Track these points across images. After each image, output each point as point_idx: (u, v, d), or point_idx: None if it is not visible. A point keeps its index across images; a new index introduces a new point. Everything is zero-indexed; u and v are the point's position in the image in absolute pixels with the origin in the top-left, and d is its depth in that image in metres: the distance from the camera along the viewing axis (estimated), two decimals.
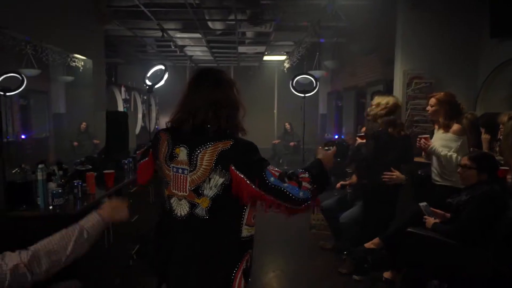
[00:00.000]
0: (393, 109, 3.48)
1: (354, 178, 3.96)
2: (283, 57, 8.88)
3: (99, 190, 2.92)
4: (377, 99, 3.64)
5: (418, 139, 3.06)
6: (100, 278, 2.80)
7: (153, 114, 10.04)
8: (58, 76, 6.28)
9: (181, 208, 1.42)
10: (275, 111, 11.27)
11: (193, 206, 1.39)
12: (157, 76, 5.76)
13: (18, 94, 5.53)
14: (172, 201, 1.45)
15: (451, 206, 2.49)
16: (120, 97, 7.28)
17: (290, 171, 1.42)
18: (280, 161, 9.38)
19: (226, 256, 1.40)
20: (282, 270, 3.67)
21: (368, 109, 4.77)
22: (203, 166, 1.35)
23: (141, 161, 1.64)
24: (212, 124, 1.38)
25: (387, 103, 3.49)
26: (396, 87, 4.60)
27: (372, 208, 3.34)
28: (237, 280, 1.38)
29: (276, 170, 1.37)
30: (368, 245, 3.09)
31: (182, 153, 1.40)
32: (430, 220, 2.58)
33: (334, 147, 1.65)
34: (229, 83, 1.48)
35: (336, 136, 9.05)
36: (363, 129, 3.78)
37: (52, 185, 2.41)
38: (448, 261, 2.44)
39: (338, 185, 3.97)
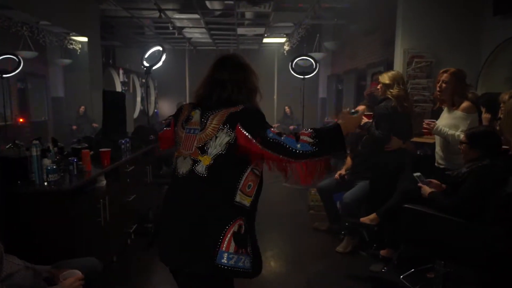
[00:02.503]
0: (400, 79, 3.33)
1: (348, 161, 3.93)
2: (282, 39, 8.78)
3: (96, 168, 2.91)
4: (381, 77, 3.46)
5: (425, 123, 2.97)
6: (97, 256, 2.81)
7: (152, 98, 9.98)
8: (56, 59, 6.23)
9: (184, 166, 1.47)
10: (275, 97, 11.20)
11: (195, 163, 1.44)
12: (155, 58, 5.71)
13: (16, 78, 5.49)
14: (178, 160, 1.51)
15: (450, 178, 2.47)
16: (118, 79, 7.22)
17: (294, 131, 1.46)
18: None
19: (217, 215, 1.42)
20: (280, 248, 3.69)
21: (374, 88, 4.69)
22: (211, 126, 1.44)
23: (163, 129, 1.75)
24: (233, 100, 1.49)
25: (392, 75, 3.33)
26: (396, 67, 4.54)
27: (379, 185, 3.30)
28: (226, 240, 1.39)
29: (276, 130, 1.44)
30: (364, 219, 3.08)
31: (196, 115, 1.51)
32: (426, 189, 2.54)
33: (363, 109, 1.58)
34: (250, 67, 1.61)
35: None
36: (361, 107, 3.70)
37: (46, 162, 2.39)
38: (445, 237, 2.43)
39: (337, 175, 3.86)
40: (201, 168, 1.42)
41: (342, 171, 3.85)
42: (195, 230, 1.41)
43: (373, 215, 3.08)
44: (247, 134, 1.39)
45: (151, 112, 9.81)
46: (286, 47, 8.82)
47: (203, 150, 1.43)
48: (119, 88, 7.34)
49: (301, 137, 1.39)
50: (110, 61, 6.76)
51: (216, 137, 1.42)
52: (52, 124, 6.27)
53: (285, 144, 1.37)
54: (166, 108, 9.17)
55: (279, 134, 1.41)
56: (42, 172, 2.33)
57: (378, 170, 3.32)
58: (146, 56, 5.70)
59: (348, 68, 8.39)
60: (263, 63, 10.84)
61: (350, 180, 3.74)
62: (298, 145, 1.37)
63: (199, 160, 1.43)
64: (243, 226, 1.45)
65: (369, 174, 3.48)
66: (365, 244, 3.48)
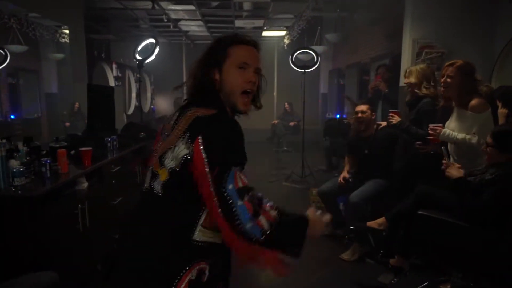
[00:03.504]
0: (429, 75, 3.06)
1: (347, 166, 3.63)
2: (282, 33, 8.46)
3: (76, 169, 2.63)
4: (406, 76, 3.14)
5: (429, 129, 2.65)
6: (78, 265, 2.54)
7: (148, 94, 9.69)
8: (49, 54, 5.95)
9: (146, 179, 1.19)
10: (274, 93, 10.90)
11: (153, 176, 1.16)
12: (148, 51, 5.42)
13: (7, 73, 5.23)
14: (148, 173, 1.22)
15: (471, 185, 2.18)
16: (111, 74, 6.93)
17: (260, 197, 1.10)
18: (280, 141, 9.08)
19: (168, 255, 1.07)
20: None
21: (378, 82, 4.39)
22: (176, 131, 1.13)
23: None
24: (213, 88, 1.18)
25: (418, 71, 3.04)
26: (404, 58, 4.24)
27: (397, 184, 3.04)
28: None
29: (242, 179, 1.05)
30: (371, 223, 2.79)
31: (175, 115, 1.20)
32: (453, 172, 2.24)
33: (328, 215, 1.31)
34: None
35: (338, 116, 8.72)
36: (362, 107, 3.37)
37: (14, 163, 2.11)
38: (465, 247, 2.16)
39: (341, 179, 3.51)
40: (157, 185, 1.12)
41: (345, 174, 3.54)
42: (145, 268, 1.07)
43: (381, 219, 2.80)
44: (204, 156, 1.03)
45: (146, 108, 9.53)
46: (286, 41, 8.52)
47: (161, 161, 1.12)
48: (112, 83, 7.06)
49: (260, 217, 1.04)
50: (103, 55, 6.46)
51: (175, 147, 1.09)
52: (45, 121, 5.99)
53: (235, 212, 1.01)
54: (163, 104, 8.82)
55: (240, 193, 1.02)
56: (8, 175, 2.04)
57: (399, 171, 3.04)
58: (138, 49, 5.41)
59: (350, 62, 8.09)
60: (262, 58, 10.51)
61: (355, 182, 3.45)
62: (249, 224, 1.02)
63: (158, 174, 1.13)
64: (206, 272, 1.10)
65: (378, 172, 3.20)
66: (373, 251, 3.19)
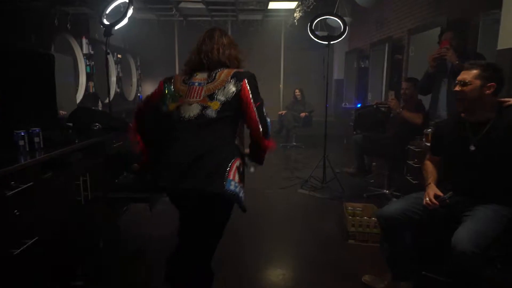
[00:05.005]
0: None
1: (430, 176, 2.19)
2: (293, 4, 6.99)
3: None
4: None
5: None
6: None
7: (134, 79, 8.26)
8: None
9: (191, 111, 1.66)
10: (281, 78, 9.44)
11: (204, 108, 1.66)
12: (119, 14, 4.02)
13: None
14: (182, 108, 1.68)
15: None
16: (79, 51, 5.52)
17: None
18: (291, 134, 7.67)
19: (226, 150, 1.64)
20: None
21: (444, 49, 3.05)
22: (220, 78, 1.70)
23: (148, 96, 1.90)
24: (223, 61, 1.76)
25: None
26: (508, 14, 2.68)
27: None
28: (232, 172, 1.59)
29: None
30: None
31: (201, 74, 1.74)
32: None
33: None
34: (233, 38, 1.87)
35: (359, 105, 7.30)
36: (466, 74, 1.98)
37: None
38: None
39: (431, 198, 2.01)
40: (210, 112, 1.65)
41: (436, 190, 2.04)
42: (209, 159, 1.58)
43: None
44: (250, 92, 1.67)
45: (131, 96, 8.11)
46: (297, 14, 7.06)
47: (212, 97, 1.67)
48: (82, 63, 5.64)
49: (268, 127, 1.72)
50: (68, 25, 5.02)
51: (224, 87, 1.68)
52: None
53: (268, 127, 1.70)
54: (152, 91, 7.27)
55: (266, 116, 1.72)
56: None
57: None
58: (107, 11, 4.00)
59: (376, 40, 6.65)
60: (268, 38, 9.07)
61: (457, 206, 2.01)
62: (270, 131, 1.72)
63: (209, 105, 1.66)
64: (241, 165, 1.68)
65: (502, 193, 1.82)
66: None
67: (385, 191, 4.18)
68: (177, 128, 1.66)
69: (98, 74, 6.22)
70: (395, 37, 5.88)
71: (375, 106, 4.17)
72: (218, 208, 1.62)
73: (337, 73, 9.20)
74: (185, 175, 1.54)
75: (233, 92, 1.64)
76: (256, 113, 1.64)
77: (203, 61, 1.73)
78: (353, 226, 2.96)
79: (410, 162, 3.22)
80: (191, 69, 1.77)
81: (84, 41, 5.74)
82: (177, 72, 9.16)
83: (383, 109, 4.24)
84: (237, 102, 1.64)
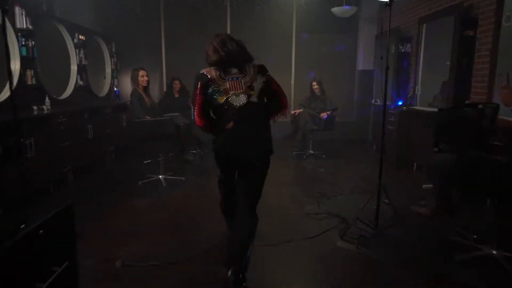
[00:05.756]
0: None
1: None
2: None
3: None
4: None
5: None
6: None
7: (107, 70, 6.48)
8: None
9: (239, 100, 2.18)
10: (292, 69, 7.61)
11: (249, 96, 2.21)
12: None
13: None
14: (230, 99, 2.18)
15: None
16: (7, 24, 3.76)
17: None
18: (307, 140, 5.88)
19: (267, 125, 2.34)
20: None
21: None
22: (251, 72, 2.24)
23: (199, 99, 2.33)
24: (243, 54, 2.31)
25: None
26: None
27: None
28: (270, 137, 2.34)
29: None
30: None
31: (234, 70, 2.24)
32: None
33: None
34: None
35: (400, 103, 5.50)
36: None
37: None
38: None
39: None
40: (254, 99, 2.21)
41: None
42: (262, 133, 2.28)
43: None
44: (274, 80, 2.32)
45: (104, 92, 6.32)
46: None
47: (251, 87, 2.22)
48: (14, 44, 3.86)
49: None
50: None
51: (257, 79, 2.24)
52: None
53: (285, 97, 2.39)
54: (131, 85, 5.23)
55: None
56: None
57: None
58: None
59: (430, 12, 4.87)
60: (275, 20, 7.25)
61: None
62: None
63: (252, 94, 2.21)
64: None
65: None
66: None
67: (492, 251, 2.42)
68: (231, 115, 2.18)
69: (45, 59, 4.47)
70: (466, 4, 4.11)
71: (481, 106, 2.40)
72: (268, 161, 2.30)
73: (362, 63, 7.40)
74: (249, 147, 2.22)
75: (263, 81, 2.25)
76: (283, 94, 2.36)
77: (232, 59, 2.24)
78: None
79: None
80: (221, 67, 2.23)
81: (18, 10, 3.95)
82: (164, 60, 7.37)
83: (486, 110, 2.47)
84: (267, 88, 2.26)
